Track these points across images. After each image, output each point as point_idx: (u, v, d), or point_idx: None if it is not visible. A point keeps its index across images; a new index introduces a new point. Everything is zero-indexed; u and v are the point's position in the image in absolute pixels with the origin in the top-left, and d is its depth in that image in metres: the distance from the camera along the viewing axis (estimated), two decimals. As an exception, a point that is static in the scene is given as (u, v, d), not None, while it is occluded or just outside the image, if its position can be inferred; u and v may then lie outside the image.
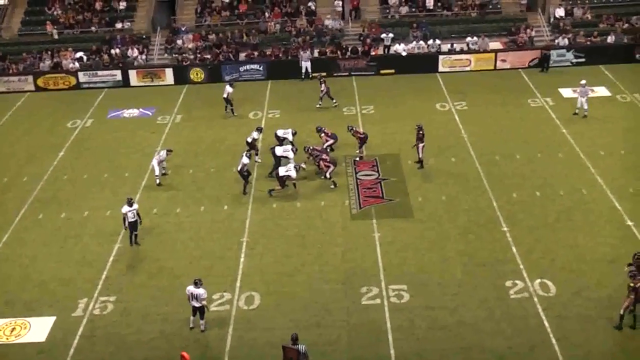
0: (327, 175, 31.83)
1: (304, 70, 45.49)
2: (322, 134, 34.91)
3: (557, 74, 44.30)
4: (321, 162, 32.10)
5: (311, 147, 32.90)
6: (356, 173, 32.30)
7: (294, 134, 34.75)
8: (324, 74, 43.90)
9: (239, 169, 31.52)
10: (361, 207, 30.06)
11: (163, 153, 33.10)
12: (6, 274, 27.06)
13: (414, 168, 32.98)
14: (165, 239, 28.38)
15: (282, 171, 30.72)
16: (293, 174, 30.71)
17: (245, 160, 31.45)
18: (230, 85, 40.56)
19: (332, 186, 31.55)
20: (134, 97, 44.26)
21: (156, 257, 27.45)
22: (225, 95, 39.98)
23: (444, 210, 29.45)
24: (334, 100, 40.94)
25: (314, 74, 44.99)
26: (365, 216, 29.30)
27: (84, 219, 30.40)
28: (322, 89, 40.69)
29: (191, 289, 22.87)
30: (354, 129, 34.81)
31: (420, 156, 32.73)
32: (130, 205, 27.87)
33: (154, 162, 32.89)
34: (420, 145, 32.47)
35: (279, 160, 32.41)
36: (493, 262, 25.87)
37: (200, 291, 22.72)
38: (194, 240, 28.26)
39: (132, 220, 27.81)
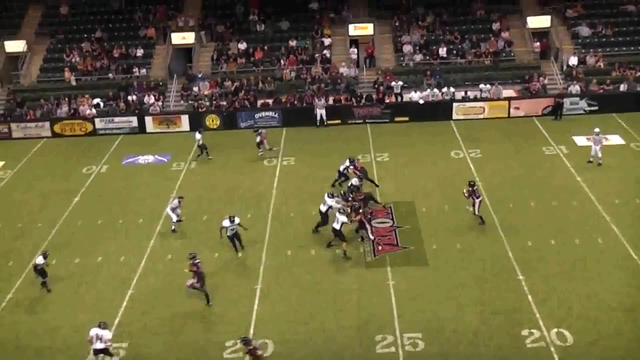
0: (370, 235, 30.53)
1: (318, 118, 45.52)
2: (351, 167, 34.70)
3: (571, 122, 44.14)
4: (360, 216, 30.57)
5: (351, 196, 31.97)
6: (371, 220, 31.97)
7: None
8: (262, 130, 42.48)
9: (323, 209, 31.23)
10: (375, 254, 29.74)
11: (175, 201, 33.01)
12: (18, 320, 26.85)
13: (429, 215, 32.72)
14: (179, 285, 28.03)
15: (336, 224, 29.48)
16: (344, 218, 29.41)
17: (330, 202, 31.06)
18: (199, 132, 41.22)
19: (372, 257, 29.98)
20: (150, 143, 44.38)
21: (169, 303, 27.19)
22: (198, 143, 40.61)
23: (459, 258, 29.10)
24: (272, 148, 41.53)
25: (327, 121, 45.25)
26: (380, 264, 28.96)
27: (98, 265, 30.23)
28: (257, 139, 40.90)
29: (96, 330, 23.08)
30: (356, 162, 34.97)
31: (477, 212, 31.67)
32: (232, 221, 29.58)
33: (168, 210, 32.85)
34: (477, 200, 31.51)
35: (325, 216, 31.41)
36: (509, 311, 25.46)
37: (106, 332, 23.05)
38: (207, 286, 27.94)
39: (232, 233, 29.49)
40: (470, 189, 31.34)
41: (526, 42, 51.26)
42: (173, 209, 32.70)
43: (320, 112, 45.56)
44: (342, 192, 32.93)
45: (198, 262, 26.98)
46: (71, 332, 25.78)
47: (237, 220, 29.73)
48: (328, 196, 31.28)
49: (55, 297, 28.17)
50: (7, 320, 26.94)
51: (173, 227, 32.60)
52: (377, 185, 35.57)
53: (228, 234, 29.78)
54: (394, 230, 31.65)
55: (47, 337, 25.64)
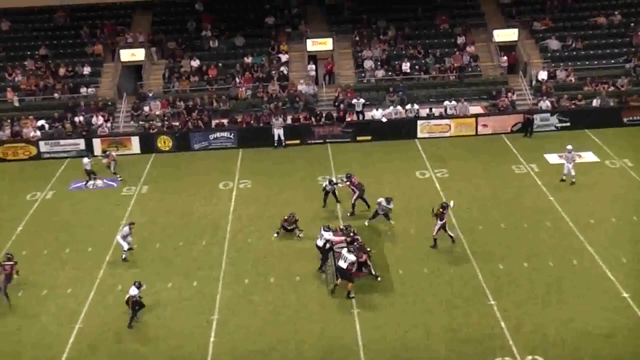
0: (373, 271, 29.79)
1: (276, 138, 45.42)
2: (348, 182, 34.70)
3: (542, 139, 44.54)
4: (366, 257, 29.86)
5: (354, 231, 31.21)
6: (332, 245, 31.73)
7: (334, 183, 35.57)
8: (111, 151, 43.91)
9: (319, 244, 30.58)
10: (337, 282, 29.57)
11: (126, 229, 32.61)
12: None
13: (394, 238, 32.75)
14: (127, 321, 27.64)
15: (343, 263, 28.44)
16: (353, 258, 28.46)
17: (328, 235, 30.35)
18: (87, 156, 40.84)
19: (379, 278, 29.64)
20: (99, 167, 43.85)
21: (120, 338, 26.74)
22: (85, 168, 40.16)
23: (427, 283, 29.03)
24: (118, 176, 41.98)
25: (286, 142, 45.20)
26: (343, 292, 28.75)
27: (43, 298, 29.67)
28: (104, 162, 42.31)
29: None
30: (352, 177, 34.87)
31: (435, 234, 31.63)
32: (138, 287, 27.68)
33: (118, 238, 32.46)
34: (440, 222, 31.36)
35: (325, 251, 30.65)
36: (480, 338, 25.42)
37: None
38: (160, 319, 27.60)
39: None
40: (442, 210, 31.30)
41: (492, 56, 51.80)
42: (124, 237, 32.31)
43: (278, 132, 45.46)
44: (343, 226, 32.18)
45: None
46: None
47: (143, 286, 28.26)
48: (324, 229, 30.62)
49: (-3, 333, 27.70)
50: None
51: (124, 256, 32.17)
52: (368, 206, 35.20)
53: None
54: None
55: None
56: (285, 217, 33.51)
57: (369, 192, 35.96)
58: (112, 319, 27.86)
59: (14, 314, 28.71)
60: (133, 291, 27.29)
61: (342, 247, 29.39)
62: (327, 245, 30.23)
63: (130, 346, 26.23)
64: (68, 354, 25.98)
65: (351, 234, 30.63)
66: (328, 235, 30.30)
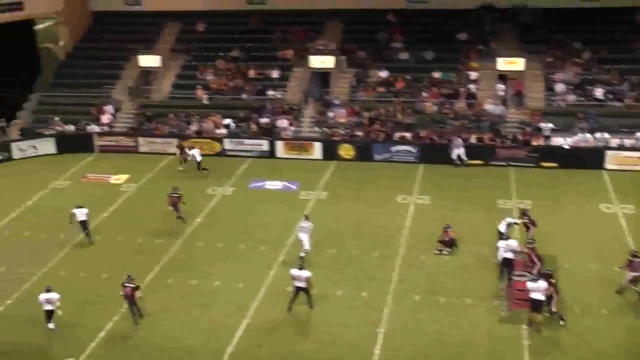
0: (553, 308, 28.16)
1: (455, 157, 44.94)
2: (525, 218, 33.23)
3: None
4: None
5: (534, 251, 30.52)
6: (509, 275, 31.00)
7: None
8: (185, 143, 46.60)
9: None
10: (511, 309, 28.78)
11: (310, 224, 33.31)
12: (127, 336, 27.45)
13: (572, 274, 31.19)
14: (297, 322, 28.04)
15: (539, 295, 27.06)
16: (544, 283, 27.23)
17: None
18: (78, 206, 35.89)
19: (562, 322, 27.95)
20: (279, 169, 44.89)
21: (285, 338, 27.14)
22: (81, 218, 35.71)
23: (605, 324, 27.60)
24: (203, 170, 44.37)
25: (467, 161, 44.72)
26: (515, 320, 27.92)
27: (215, 289, 30.58)
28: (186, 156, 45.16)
29: (44, 295, 27.47)
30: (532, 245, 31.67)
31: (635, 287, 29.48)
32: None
33: (302, 235, 33.08)
34: (632, 274, 29.03)
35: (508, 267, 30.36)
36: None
37: (54, 295, 27.47)
38: (327, 325, 27.76)
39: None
40: (633, 259, 29.10)
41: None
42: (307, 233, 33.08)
43: (457, 151, 44.96)
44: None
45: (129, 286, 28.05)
46: (182, 355, 26.14)
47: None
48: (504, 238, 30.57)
49: (168, 317, 28.63)
50: (117, 335, 27.58)
51: (303, 254, 32.78)
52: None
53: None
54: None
55: (156, 357, 26.10)
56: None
57: (549, 220, 35.09)
58: (280, 318, 28.28)
59: (185, 301, 29.70)
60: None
61: (521, 275, 28.78)
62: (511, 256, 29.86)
63: (295, 347, 26.51)
64: (235, 347, 26.56)
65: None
66: (514, 243, 30.00)
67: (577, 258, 32.73)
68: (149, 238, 35.69)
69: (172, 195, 37.05)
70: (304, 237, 33.13)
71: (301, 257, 32.30)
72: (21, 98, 54.93)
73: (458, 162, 44.90)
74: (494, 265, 31.45)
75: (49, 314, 27.70)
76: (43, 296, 27.60)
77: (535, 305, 26.95)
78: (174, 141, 48.29)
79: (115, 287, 29.03)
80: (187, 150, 45.51)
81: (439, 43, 53.41)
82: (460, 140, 45.09)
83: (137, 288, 28.13)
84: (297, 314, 28.37)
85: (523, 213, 33.88)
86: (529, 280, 27.24)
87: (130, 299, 28.04)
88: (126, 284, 27.99)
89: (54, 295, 27.58)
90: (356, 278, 31.33)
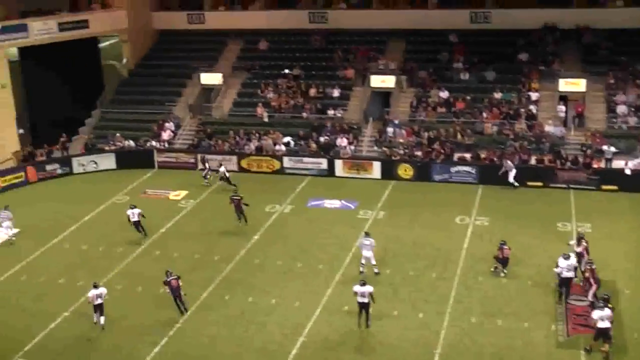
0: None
1: (511, 181, 44.41)
2: (587, 273, 30.88)
3: None
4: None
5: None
6: (568, 296, 30.69)
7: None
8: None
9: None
10: (569, 334, 28.32)
11: (372, 240, 33.29)
12: (183, 352, 27.65)
13: (633, 300, 30.55)
14: (353, 341, 27.99)
15: (607, 323, 26.61)
16: (609, 312, 26.66)
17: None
18: (132, 206, 38.55)
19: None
20: (338, 187, 44.94)
21: (340, 357, 27.10)
22: (134, 218, 37.99)
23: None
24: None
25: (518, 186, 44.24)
26: (573, 345, 27.41)
27: (271, 307, 30.63)
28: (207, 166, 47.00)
29: (93, 291, 29.01)
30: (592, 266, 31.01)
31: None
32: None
33: (366, 252, 33.04)
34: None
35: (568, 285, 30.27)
36: None
37: (102, 290, 29.33)
38: (383, 346, 27.64)
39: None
40: None
41: None
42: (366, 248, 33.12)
43: (510, 173, 44.42)
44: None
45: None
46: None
47: None
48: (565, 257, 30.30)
49: (224, 334, 28.75)
50: (172, 349, 27.84)
51: (362, 269, 33.05)
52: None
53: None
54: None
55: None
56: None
57: (608, 244, 34.80)
58: (336, 338, 28.22)
59: (242, 318, 29.82)
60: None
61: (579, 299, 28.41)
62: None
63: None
64: (289, 365, 26.67)
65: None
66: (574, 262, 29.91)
67: (637, 283, 32.13)
68: (206, 254, 35.99)
69: (234, 197, 39.35)
70: (369, 254, 33.09)
71: (362, 272, 32.66)
72: (84, 114, 55.89)
73: (515, 185, 44.43)
74: (552, 288, 31.08)
75: (100, 309, 29.25)
76: (92, 292, 29.16)
77: (603, 334, 26.38)
78: (234, 159, 48.67)
79: (172, 303, 29.46)
80: (207, 164, 46.99)
81: (500, 63, 53.16)
82: (510, 163, 44.68)
83: (179, 277, 30.19)
84: (355, 332, 28.39)
85: (581, 238, 33.33)
86: (596, 309, 26.67)
87: (176, 290, 29.87)
88: (170, 279, 29.82)
89: (102, 290, 29.40)
90: (412, 298, 31.16)
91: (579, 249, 32.21)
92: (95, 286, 29.41)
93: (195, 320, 29.64)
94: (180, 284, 29.93)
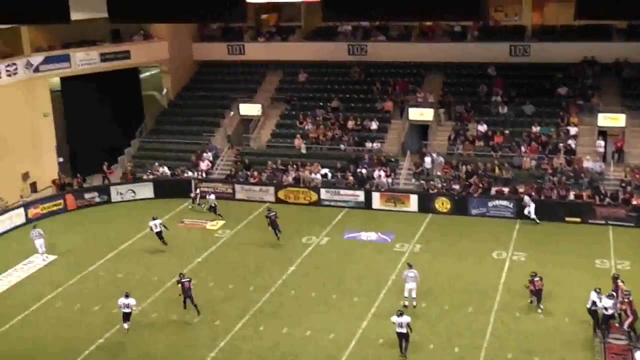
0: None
1: (532, 217, 43.77)
2: (624, 305, 30.42)
3: None
4: None
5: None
6: (606, 335, 30.34)
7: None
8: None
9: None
10: (607, 373, 28.16)
11: (416, 272, 33.29)
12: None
13: None
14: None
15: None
16: None
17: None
18: (154, 218, 42.05)
19: None
20: (374, 220, 44.95)
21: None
22: (156, 229, 41.57)
23: None
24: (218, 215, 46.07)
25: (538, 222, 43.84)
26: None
27: (305, 338, 30.67)
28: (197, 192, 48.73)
29: (123, 299, 31.02)
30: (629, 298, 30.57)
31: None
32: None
33: (410, 284, 33.05)
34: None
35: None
36: None
37: (132, 300, 31.13)
38: None
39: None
40: None
41: None
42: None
43: (528, 208, 43.99)
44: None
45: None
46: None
47: None
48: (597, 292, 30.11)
49: (260, 366, 28.84)
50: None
51: (405, 303, 32.95)
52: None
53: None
54: (631, 350, 29.68)
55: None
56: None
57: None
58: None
59: (277, 349, 29.89)
60: None
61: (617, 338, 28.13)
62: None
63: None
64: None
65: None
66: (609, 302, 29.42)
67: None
68: (241, 285, 36.17)
69: (269, 215, 41.37)
70: (412, 286, 33.01)
71: (406, 306, 32.65)
72: (124, 143, 56.58)
73: (536, 222, 43.89)
74: (590, 325, 30.70)
75: (127, 316, 31.24)
76: (122, 300, 31.19)
77: None
78: (271, 189, 48.95)
79: (206, 333, 29.62)
80: (198, 192, 48.90)
81: (539, 97, 53.02)
82: (527, 198, 44.39)
83: (191, 280, 32.78)
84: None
85: (616, 277, 32.93)
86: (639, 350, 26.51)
87: (188, 291, 32.38)
88: (183, 280, 32.52)
89: (131, 301, 31.26)
90: (448, 332, 31.05)
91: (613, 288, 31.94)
92: (127, 295, 31.37)
93: (229, 351, 29.75)
94: (192, 286, 32.57)
